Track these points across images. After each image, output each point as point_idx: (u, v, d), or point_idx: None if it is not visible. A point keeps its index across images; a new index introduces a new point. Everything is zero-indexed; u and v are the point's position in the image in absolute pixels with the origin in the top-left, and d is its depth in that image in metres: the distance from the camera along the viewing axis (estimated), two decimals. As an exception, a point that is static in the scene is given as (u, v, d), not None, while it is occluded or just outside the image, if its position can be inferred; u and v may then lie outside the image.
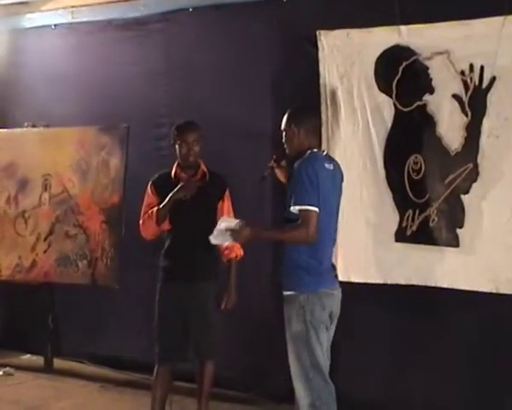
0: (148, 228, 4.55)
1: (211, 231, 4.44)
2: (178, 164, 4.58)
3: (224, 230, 3.89)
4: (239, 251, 4.64)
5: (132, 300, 5.82)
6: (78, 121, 6.10)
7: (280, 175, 4.29)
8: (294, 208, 3.80)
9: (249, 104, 5.41)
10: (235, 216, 4.62)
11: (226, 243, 4.07)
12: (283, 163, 4.22)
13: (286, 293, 3.95)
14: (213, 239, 3.97)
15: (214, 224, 4.53)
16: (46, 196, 6.09)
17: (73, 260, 5.91)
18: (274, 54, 5.35)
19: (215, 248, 4.56)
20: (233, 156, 5.35)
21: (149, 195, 4.62)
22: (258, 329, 5.36)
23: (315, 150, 3.97)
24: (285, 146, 4.08)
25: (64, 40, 6.40)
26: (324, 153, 4.05)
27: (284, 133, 4.05)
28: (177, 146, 4.54)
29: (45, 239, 6.05)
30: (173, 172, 4.57)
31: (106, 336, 6.13)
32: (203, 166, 4.60)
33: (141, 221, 4.59)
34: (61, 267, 5.96)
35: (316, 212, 3.77)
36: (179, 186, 4.45)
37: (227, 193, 4.65)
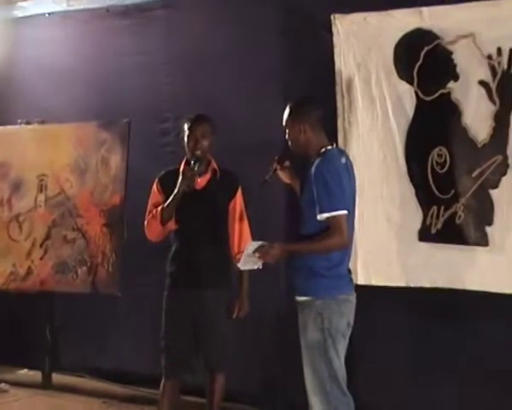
0: (153, 229, 4.58)
1: (222, 233, 4.51)
2: (187, 160, 4.62)
3: (252, 253, 3.92)
4: None
5: (137, 308, 5.87)
6: (75, 117, 6.13)
7: (284, 177, 4.31)
8: (322, 216, 3.85)
9: (259, 96, 5.43)
10: (248, 216, 4.68)
11: (256, 267, 4.02)
12: (287, 164, 4.25)
13: (301, 298, 3.99)
14: (242, 265, 4.03)
15: (225, 225, 4.59)
16: (42, 197, 6.14)
17: (72, 267, 5.95)
18: (285, 41, 5.38)
19: (226, 251, 4.61)
20: (242, 152, 5.38)
21: (155, 193, 4.65)
22: (271, 339, 5.41)
23: (329, 147, 4.02)
24: (289, 144, 4.11)
25: (59, 29, 6.44)
26: (334, 146, 4.09)
27: (287, 131, 4.08)
28: (185, 139, 4.58)
29: (41, 245, 6.10)
30: (181, 168, 4.60)
31: (108, 348, 6.16)
32: (214, 163, 4.64)
33: (145, 221, 4.63)
34: (59, 275, 6.00)
35: (345, 215, 3.84)
36: (180, 179, 4.46)
37: (239, 192, 4.67)
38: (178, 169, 4.60)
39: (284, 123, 4.10)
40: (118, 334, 6.13)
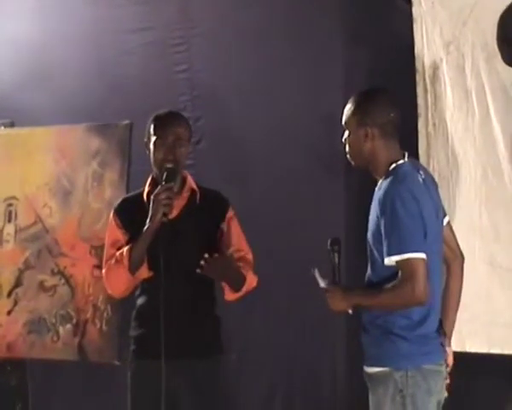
0: (119, 279, 4.57)
1: (208, 278, 4.51)
2: (153, 179, 4.64)
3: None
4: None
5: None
6: (56, 117, 6.21)
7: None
8: (390, 260, 3.87)
9: (310, 87, 5.53)
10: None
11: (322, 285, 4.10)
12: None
13: (372, 370, 4.03)
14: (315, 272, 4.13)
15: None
16: (10, 229, 6.22)
17: (51, 325, 6.00)
18: (348, 12, 5.46)
19: (215, 305, 4.66)
20: (288, 162, 5.48)
21: (113, 229, 4.68)
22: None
23: (400, 162, 3.99)
24: (347, 150, 4.11)
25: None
26: (406, 158, 4.05)
27: (347, 133, 4.09)
28: (151, 146, 4.61)
29: (9, 294, 6.17)
30: (145, 192, 4.64)
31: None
32: (191, 181, 4.67)
33: (104, 270, 4.65)
34: (34, 335, 6.04)
35: (423, 260, 3.83)
36: (152, 205, 4.39)
37: (229, 214, 4.68)
38: (140, 195, 4.68)
39: (344, 122, 4.09)
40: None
